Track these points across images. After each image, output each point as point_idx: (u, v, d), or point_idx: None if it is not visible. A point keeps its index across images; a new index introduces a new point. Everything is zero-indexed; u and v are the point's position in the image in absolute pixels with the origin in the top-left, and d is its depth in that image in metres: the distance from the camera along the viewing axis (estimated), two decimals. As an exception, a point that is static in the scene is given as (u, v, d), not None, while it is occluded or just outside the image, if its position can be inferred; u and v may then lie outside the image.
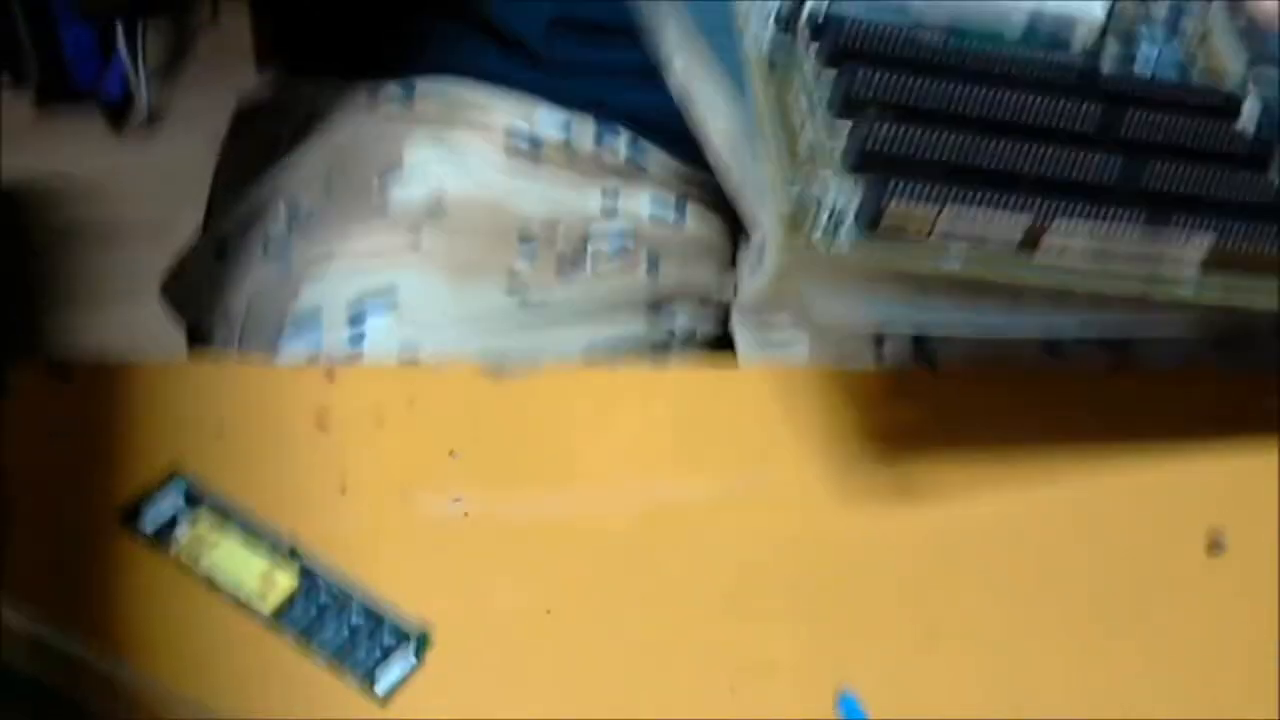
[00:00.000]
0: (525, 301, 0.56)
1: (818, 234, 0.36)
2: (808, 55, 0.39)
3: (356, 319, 0.54)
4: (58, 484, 0.40)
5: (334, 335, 0.54)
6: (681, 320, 0.60)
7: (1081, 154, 0.38)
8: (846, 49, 0.38)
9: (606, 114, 0.60)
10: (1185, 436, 0.43)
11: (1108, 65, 0.41)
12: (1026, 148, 0.37)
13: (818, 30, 0.39)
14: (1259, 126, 0.41)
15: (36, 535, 0.39)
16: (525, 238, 0.58)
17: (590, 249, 0.59)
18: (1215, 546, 0.41)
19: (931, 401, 0.45)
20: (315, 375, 0.44)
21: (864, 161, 0.36)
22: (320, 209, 0.59)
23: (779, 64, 0.39)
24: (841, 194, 0.36)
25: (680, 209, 0.62)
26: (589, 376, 0.46)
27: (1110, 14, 0.42)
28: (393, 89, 0.61)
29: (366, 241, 0.56)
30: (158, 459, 0.41)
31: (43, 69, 1.47)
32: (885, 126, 0.37)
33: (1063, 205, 0.37)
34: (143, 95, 1.48)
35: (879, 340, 0.55)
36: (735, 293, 0.63)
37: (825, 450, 0.43)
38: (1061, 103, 0.39)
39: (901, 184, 0.36)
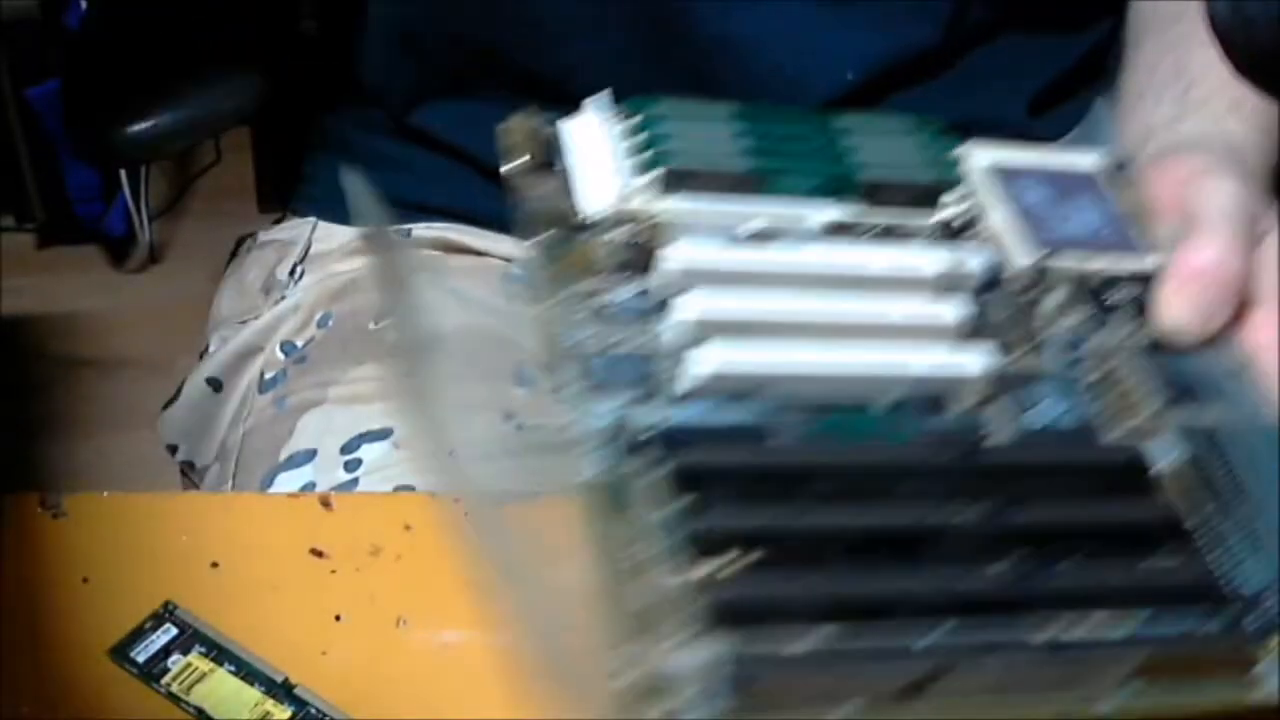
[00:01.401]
0: (523, 426, 0.56)
1: (674, 708, 0.29)
2: (649, 484, 0.32)
3: (351, 455, 0.55)
4: (49, 616, 0.40)
5: (328, 474, 0.54)
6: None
7: (970, 568, 0.32)
8: (691, 473, 0.32)
9: None
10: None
11: (994, 425, 0.36)
12: (906, 572, 0.32)
13: (661, 455, 0.32)
14: (1169, 494, 0.35)
15: (27, 667, 0.39)
16: (522, 366, 0.58)
17: None
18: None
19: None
20: (311, 504, 0.43)
21: (721, 622, 0.30)
22: (316, 348, 0.59)
23: (612, 496, 0.31)
24: (696, 657, 0.29)
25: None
26: (585, 506, 0.45)
27: (991, 370, 0.36)
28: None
29: (363, 383, 0.57)
30: (150, 591, 0.41)
31: (47, 210, 1.49)
32: (741, 576, 0.31)
33: (953, 646, 0.31)
34: (145, 234, 1.50)
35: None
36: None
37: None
38: (942, 503, 0.33)
39: (767, 655, 0.30)
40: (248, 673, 0.39)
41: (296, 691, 0.38)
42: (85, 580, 0.41)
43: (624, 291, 0.36)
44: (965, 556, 0.33)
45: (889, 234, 0.39)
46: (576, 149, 0.38)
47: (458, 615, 0.41)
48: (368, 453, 0.54)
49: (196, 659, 0.39)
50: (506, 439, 0.55)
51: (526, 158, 0.38)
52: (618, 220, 0.37)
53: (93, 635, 0.39)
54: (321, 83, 0.66)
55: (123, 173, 1.45)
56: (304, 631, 0.40)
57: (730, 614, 0.30)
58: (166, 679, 0.39)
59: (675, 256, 0.36)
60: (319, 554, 0.42)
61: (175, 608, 0.40)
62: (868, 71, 0.57)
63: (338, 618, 0.40)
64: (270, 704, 0.38)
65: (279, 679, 0.39)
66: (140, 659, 0.39)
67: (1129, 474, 0.35)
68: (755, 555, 0.31)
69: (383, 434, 0.55)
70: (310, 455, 0.55)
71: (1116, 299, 0.40)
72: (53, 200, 1.48)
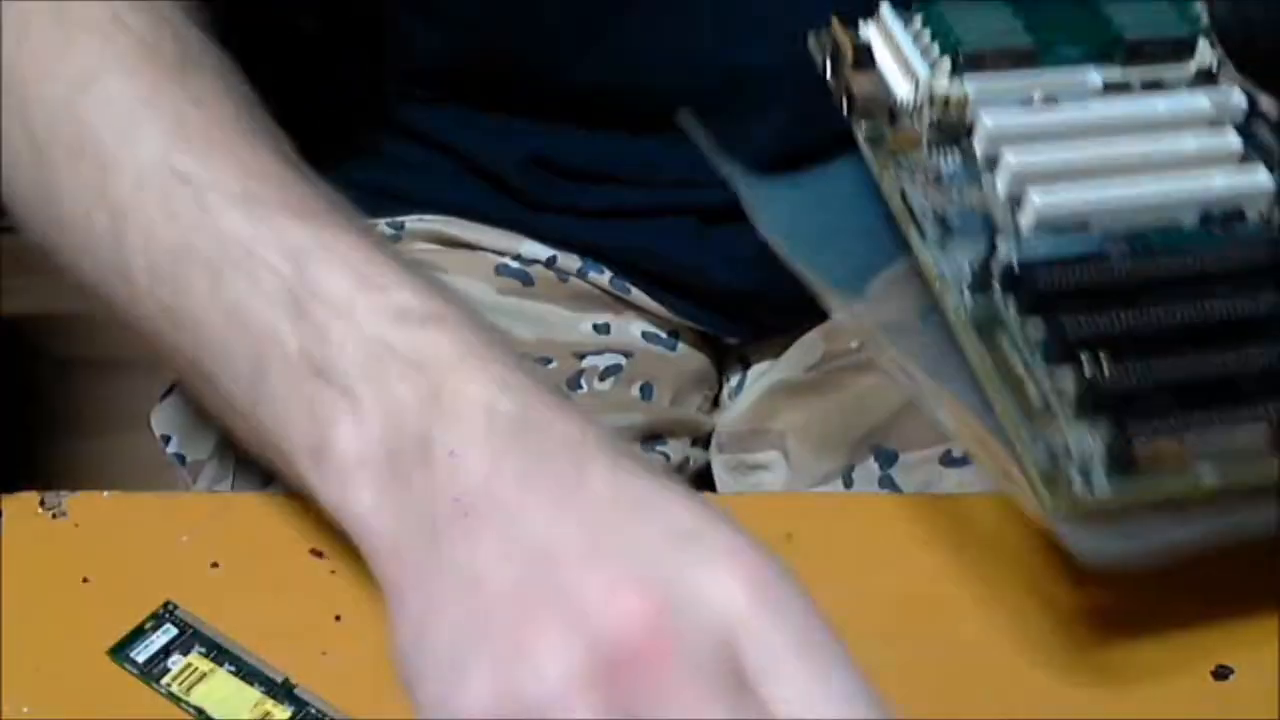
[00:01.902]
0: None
1: (1074, 486, 0.36)
2: (1009, 309, 0.39)
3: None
4: (49, 616, 0.40)
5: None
6: (673, 453, 0.60)
7: None
8: (1044, 295, 0.39)
9: (589, 252, 0.61)
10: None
11: None
12: (1241, 352, 0.38)
13: (1013, 284, 0.39)
14: None
15: (27, 667, 0.39)
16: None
17: (584, 368, 0.59)
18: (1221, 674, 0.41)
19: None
20: (312, 504, 0.43)
21: (1096, 406, 0.37)
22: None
23: (984, 322, 0.39)
24: (1082, 440, 0.37)
25: (671, 338, 0.62)
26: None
27: (1275, 185, 0.42)
28: (382, 228, 0.62)
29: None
30: (150, 591, 0.41)
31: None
32: (1105, 367, 0.37)
33: None
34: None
35: (848, 470, 0.56)
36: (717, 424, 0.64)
37: (823, 577, 0.43)
38: (1260, 295, 0.39)
39: (1140, 424, 0.37)
40: (248, 673, 0.39)
41: (296, 691, 0.38)
42: (85, 580, 0.41)
43: (947, 161, 0.43)
44: None
45: (1156, 86, 0.45)
46: (879, 48, 0.45)
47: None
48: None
49: (196, 659, 0.39)
50: None
51: (846, 59, 0.44)
52: (926, 102, 0.43)
53: (93, 635, 0.39)
54: (315, 78, 0.66)
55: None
56: (304, 631, 0.40)
57: (1100, 402, 0.37)
58: (166, 679, 0.39)
59: (988, 124, 0.42)
60: (319, 554, 0.42)
61: (175, 608, 0.40)
62: None
63: (338, 618, 0.40)
64: (270, 704, 0.38)
65: (279, 679, 0.39)
66: (140, 659, 0.39)
67: None
68: (1109, 353, 0.38)
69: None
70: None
71: None
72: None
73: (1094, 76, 0.44)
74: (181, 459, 0.63)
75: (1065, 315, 0.38)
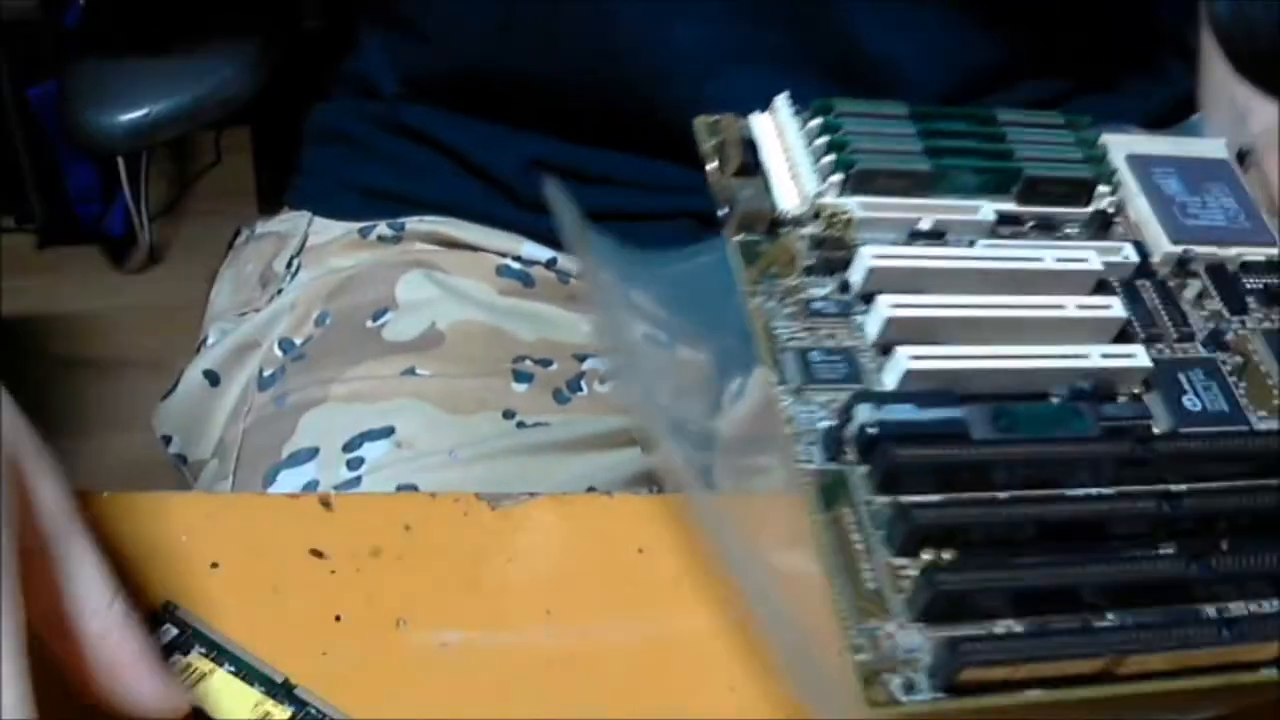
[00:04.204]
0: (523, 424, 0.56)
1: (895, 690, 0.33)
2: (858, 481, 0.36)
3: (353, 453, 0.54)
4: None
5: (331, 472, 0.54)
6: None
7: (1147, 559, 0.36)
8: (897, 473, 0.35)
9: None
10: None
11: (1156, 411, 0.39)
12: (1092, 565, 0.36)
13: (867, 454, 0.36)
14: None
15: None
16: (520, 363, 0.58)
17: (585, 370, 0.59)
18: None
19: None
20: (311, 504, 0.43)
21: (930, 614, 0.34)
22: (315, 345, 0.59)
23: (829, 487, 0.36)
24: (912, 640, 0.34)
25: (670, 339, 0.62)
26: (586, 504, 0.46)
27: (1153, 359, 0.39)
28: (383, 228, 0.62)
29: (363, 382, 0.57)
30: (150, 591, 0.41)
31: (47, 210, 1.49)
32: (945, 574, 0.34)
33: (1136, 637, 0.35)
34: (145, 234, 1.50)
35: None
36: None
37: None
38: (1117, 490, 0.37)
39: (972, 647, 0.34)
40: (248, 673, 0.39)
41: (296, 691, 0.38)
42: (85, 580, 0.41)
43: (824, 286, 0.39)
44: (1137, 541, 0.36)
45: (1048, 226, 0.42)
46: (768, 149, 0.41)
47: (458, 615, 0.41)
48: (370, 451, 0.54)
49: (196, 659, 0.39)
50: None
51: (730, 160, 0.41)
52: (810, 218, 0.40)
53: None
54: (319, 76, 0.66)
55: (123, 173, 1.45)
56: (304, 631, 0.40)
57: (935, 610, 0.34)
58: (166, 678, 0.39)
59: (866, 259, 0.38)
60: (319, 554, 0.42)
61: (175, 608, 0.40)
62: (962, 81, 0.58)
63: (338, 618, 0.40)
64: (270, 704, 0.38)
65: (279, 679, 0.38)
66: (140, 658, 0.39)
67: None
68: (959, 550, 0.35)
69: (385, 432, 0.55)
70: (312, 453, 0.55)
71: (1252, 284, 0.43)
72: (53, 200, 1.48)
73: (986, 209, 0.41)
74: (183, 459, 0.63)
75: (915, 500, 0.35)
